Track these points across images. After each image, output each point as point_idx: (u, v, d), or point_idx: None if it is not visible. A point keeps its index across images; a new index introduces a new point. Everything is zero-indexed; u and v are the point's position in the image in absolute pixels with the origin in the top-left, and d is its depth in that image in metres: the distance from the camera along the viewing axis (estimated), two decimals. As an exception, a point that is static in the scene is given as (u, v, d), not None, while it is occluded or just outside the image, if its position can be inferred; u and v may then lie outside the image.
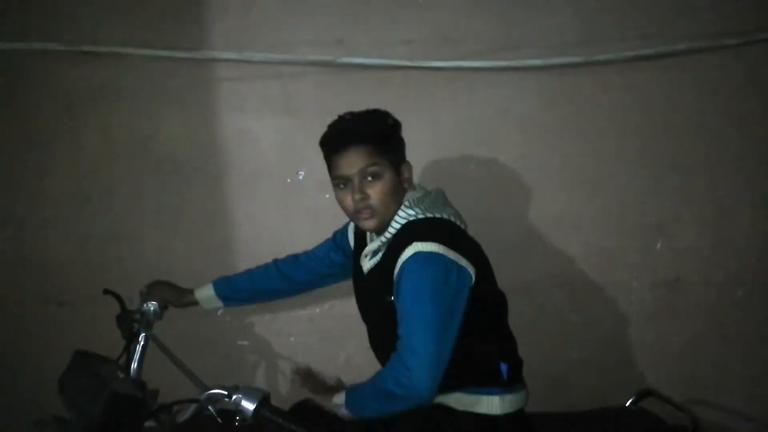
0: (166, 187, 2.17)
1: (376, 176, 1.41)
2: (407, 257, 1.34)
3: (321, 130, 2.11)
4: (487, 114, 2.13)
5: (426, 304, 1.32)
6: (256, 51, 2.08)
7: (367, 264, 1.48)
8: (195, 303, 1.73)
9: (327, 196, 2.16)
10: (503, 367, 1.44)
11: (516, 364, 1.48)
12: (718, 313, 2.22)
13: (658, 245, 2.20)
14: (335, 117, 1.50)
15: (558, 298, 2.22)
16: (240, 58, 2.08)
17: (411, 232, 1.38)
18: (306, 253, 1.75)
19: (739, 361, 2.25)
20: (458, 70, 2.09)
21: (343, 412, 1.41)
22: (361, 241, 1.56)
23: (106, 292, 1.63)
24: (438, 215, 1.43)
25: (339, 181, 1.44)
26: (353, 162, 1.41)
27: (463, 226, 1.47)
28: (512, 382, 1.45)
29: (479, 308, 1.39)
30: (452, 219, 1.45)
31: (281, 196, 2.18)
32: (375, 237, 1.48)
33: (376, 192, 1.41)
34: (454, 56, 2.09)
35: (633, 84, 2.12)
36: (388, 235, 1.43)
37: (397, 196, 1.44)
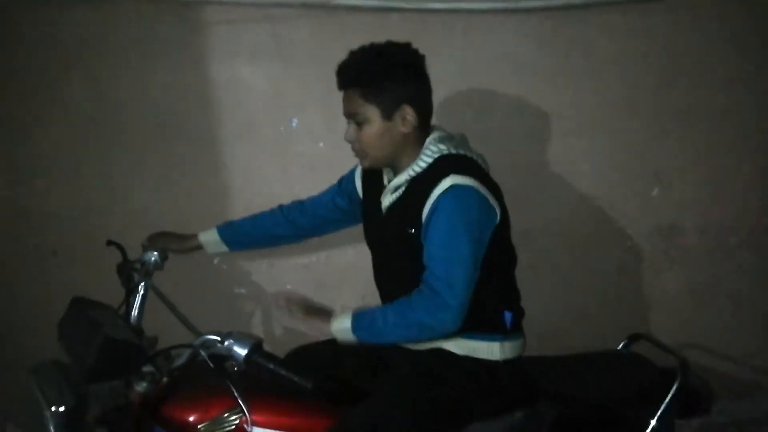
0: (159, 137, 2.14)
1: (361, 122, 1.40)
2: (444, 189, 1.34)
3: (313, 76, 2.08)
4: (485, 58, 2.09)
5: (462, 237, 1.33)
6: (246, -7, 2.02)
7: (388, 199, 1.47)
8: (199, 247, 1.71)
9: (321, 144, 2.14)
10: (507, 315, 1.45)
11: (518, 314, 1.50)
12: (712, 260, 2.24)
13: (655, 192, 2.19)
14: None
15: (555, 246, 2.23)
16: (230, 0, 2.02)
17: (445, 165, 1.38)
18: (311, 199, 1.73)
19: (731, 306, 2.28)
20: (455, 12, 2.03)
21: (348, 337, 1.37)
22: (373, 180, 1.54)
23: (110, 243, 1.62)
24: (468, 154, 1.44)
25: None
26: (345, 104, 1.43)
27: (486, 170, 1.48)
28: (513, 330, 1.47)
29: (494, 252, 1.40)
30: (479, 161, 1.46)
31: (274, 144, 2.15)
32: (393, 175, 1.47)
33: (363, 136, 1.41)
34: (451, -2, 2.03)
35: (635, 27, 2.07)
36: (417, 169, 1.42)
37: (392, 139, 1.42)
